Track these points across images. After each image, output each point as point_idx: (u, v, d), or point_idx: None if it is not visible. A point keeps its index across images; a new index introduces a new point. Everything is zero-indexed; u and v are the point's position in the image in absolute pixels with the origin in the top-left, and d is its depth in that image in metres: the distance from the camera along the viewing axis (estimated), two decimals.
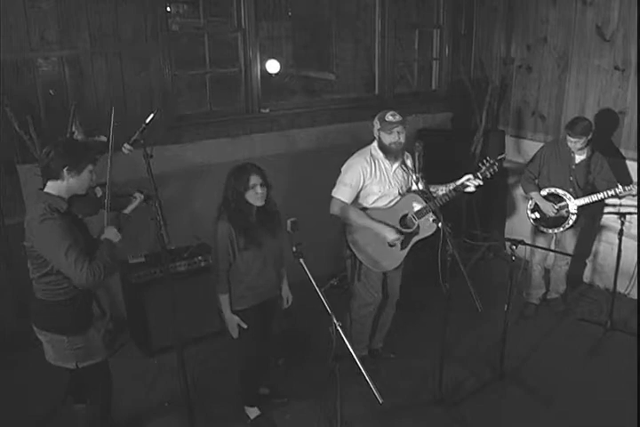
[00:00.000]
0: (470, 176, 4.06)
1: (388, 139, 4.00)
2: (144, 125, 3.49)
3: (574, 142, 4.74)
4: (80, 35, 4.37)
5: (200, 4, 5.15)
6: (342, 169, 4.13)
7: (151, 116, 3.51)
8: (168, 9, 4.95)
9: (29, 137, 4.19)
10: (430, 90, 6.64)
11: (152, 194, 3.47)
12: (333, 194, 4.09)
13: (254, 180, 3.46)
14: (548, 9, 5.68)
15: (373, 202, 4.12)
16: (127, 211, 3.41)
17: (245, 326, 3.67)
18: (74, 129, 4.24)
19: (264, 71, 5.83)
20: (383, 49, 6.03)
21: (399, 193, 4.15)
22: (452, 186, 4.10)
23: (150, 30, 4.64)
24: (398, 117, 3.98)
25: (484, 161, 4.08)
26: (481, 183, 4.07)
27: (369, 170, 4.04)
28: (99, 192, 3.29)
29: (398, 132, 3.97)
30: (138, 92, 4.71)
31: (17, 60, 4.21)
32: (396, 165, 4.14)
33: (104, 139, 4.08)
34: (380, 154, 4.08)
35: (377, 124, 4.05)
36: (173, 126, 4.91)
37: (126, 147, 3.56)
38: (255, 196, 3.48)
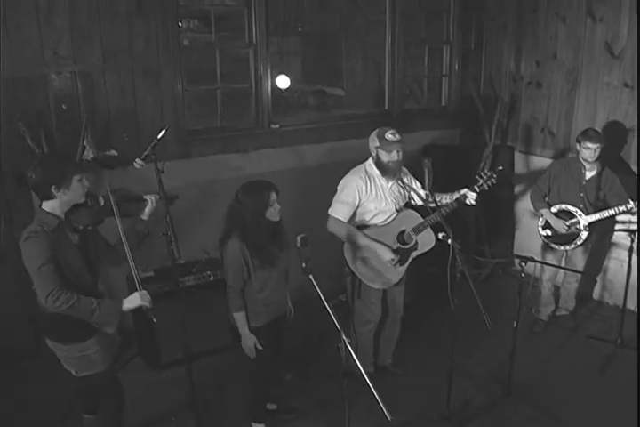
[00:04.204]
0: (467, 189, 4.06)
1: (386, 157, 3.98)
2: (155, 141, 3.51)
3: (591, 150, 4.68)
4: (92, 50, 4.43)
5: (211, 20, 5.18)
6: (338, 187, 4.12)
7: (163, 131, 3.53)
8: (179, 24, 5.00)
9: (41, 151, 4.22)
10: (439, 106, 6.66)
11: (171, 195, 3.49)
12: (330, 212, 4.08)
13: (273, 196, 3.47)
14: (558, 25, 5.69)
15: (370, 219, 4.11)
16: (145, 216, 3.41)
17: (261, 348, 3.64)
18: (85, 143, 4.28)
19: (274, 86, 5.85)
20: (393, 65, 6.06)
21: (396, 209, 4.15)
22: (453, 197, 4.11)
23: (162, 45, 4.69)
24: (398, 136, 3.96)
25: (482, 174, 4.08)
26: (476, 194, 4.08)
27: (364, 188, 4.03)
28: (102, 201, 3.27)
29: (397, 151, 3.96)
30: (149, 107, 4.75)
31: (30, 74, 4.26)
32: (392, 181, 4.12)
33: (115, 153, 4.11)
34: (376, 171, 4.07)
35: (375, 142, 4.02)
36: (184, 141, 4.94)
37: (138, 162, 3.58)
38: (274, 212, 3.49)
